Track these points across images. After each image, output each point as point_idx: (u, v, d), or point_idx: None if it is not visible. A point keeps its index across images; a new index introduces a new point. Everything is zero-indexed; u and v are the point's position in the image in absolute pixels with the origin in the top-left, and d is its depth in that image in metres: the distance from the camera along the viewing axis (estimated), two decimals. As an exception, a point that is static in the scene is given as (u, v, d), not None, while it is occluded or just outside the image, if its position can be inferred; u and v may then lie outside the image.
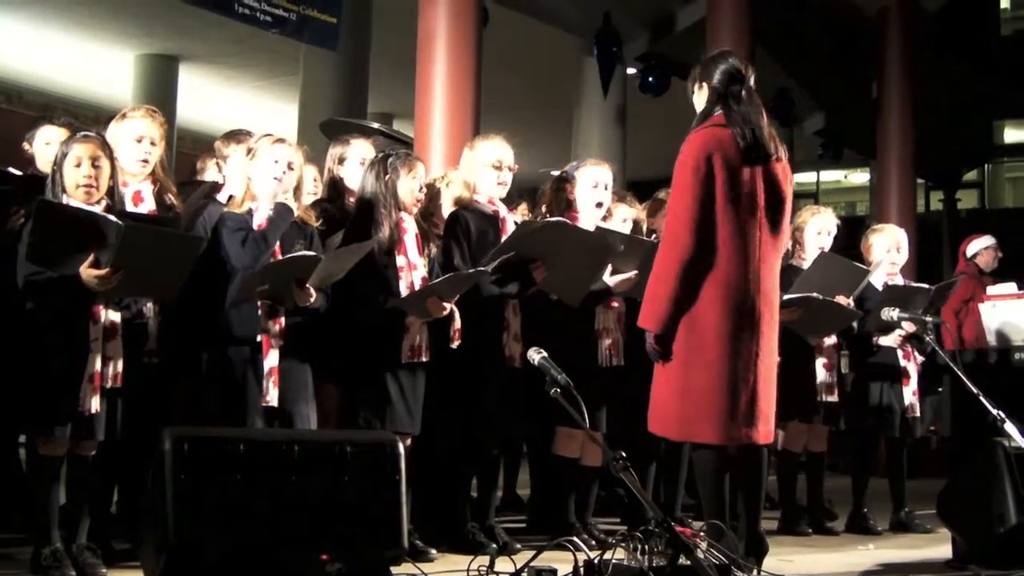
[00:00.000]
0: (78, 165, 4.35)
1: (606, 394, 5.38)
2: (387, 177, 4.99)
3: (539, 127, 12.67)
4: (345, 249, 4.71)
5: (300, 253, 4.54)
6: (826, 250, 6.14)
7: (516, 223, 5.26)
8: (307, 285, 4.52)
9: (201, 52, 12.84)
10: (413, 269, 4.96)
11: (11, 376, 4.45)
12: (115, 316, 4.32)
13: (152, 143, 4.77)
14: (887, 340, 6.30)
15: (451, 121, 7.99)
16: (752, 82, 4.47)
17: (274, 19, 7.98)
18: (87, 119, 6.13)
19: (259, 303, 4.56)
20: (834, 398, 6.22)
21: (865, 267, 6.12)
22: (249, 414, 4.50)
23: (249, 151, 4.78)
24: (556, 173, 5.78)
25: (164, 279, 4.32)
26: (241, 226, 4.64)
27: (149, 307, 4.57)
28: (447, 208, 5.46)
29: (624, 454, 3.66)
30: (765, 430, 4.41)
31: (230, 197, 4.86)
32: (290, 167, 4.71)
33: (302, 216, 4.79)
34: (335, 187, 5.49)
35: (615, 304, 5.51)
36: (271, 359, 4.55)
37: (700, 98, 4.51)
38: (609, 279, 5.34)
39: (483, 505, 5.29)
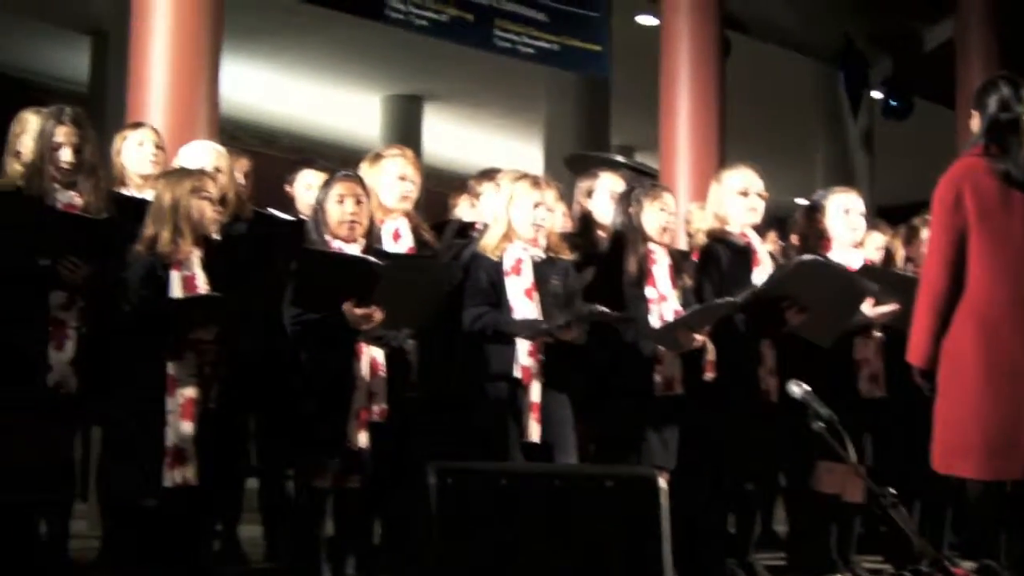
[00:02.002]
0: (341, 202, 4.53)
1: (869, 427, 5.25)
2: (632, 209, 5.03)
3: (782, 155, 12.51)
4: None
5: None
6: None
7: (770, 253, 5.20)
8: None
9: (445, 91, 13.16)
10: (663, 301, 4.95)
11: (278, 413, 4.65)
12: (378, 352, 4.48)
13: (411, 181, 4.93)
14: None
15: (695, 152, 8.01)
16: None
17: (537, 51, 8.09)
18: (337, 160, 6.36)
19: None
20: None
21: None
22: (510, 449, 4.58)
23: (508, 193, 4.87)
24: (803, 202, 5.70)
25: (423, 310, 4.45)
26: (490, 274, 4.73)
27: (410, 343, 4.71)
28: (700, 241, 5.45)
29: (893, 490, 3.58)
30: None
31: (483, 234, 4.96)
32: (544, 208, 4.78)
33: (555, 250, 4.85)
34: (584, 221, 5.54)
35: (876, 333, 5.37)
36: (532, 394, 4.62)
37: (974, 126, 4.40)
38: (869, 311, 5.21)
39: (741, 541, 5.23)
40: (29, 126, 4.80)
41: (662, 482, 3.89)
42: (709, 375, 4.95)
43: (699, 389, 4.95)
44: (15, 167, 4.81)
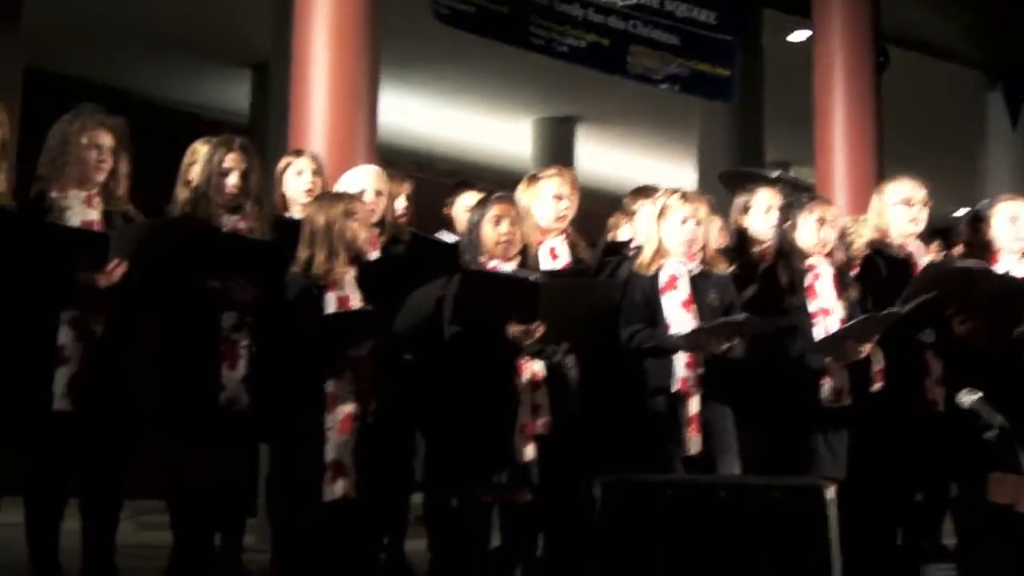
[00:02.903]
0: (496, 224, 4.59)
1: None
2: (790, 223, 4.99)
3: (942, 167, 12.24)
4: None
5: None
6: None
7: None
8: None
9: (597, 113, 13.20)
10: (828, 314, 4.89)
11: (443, 428, 4.71)
12: (539, 367, 4.52)
13: (567, 200, 4.98)
14: None
15: (852, 166, 7.91)
16: None
17: (667, 77, 8.09)
18: (490, 183, 6.44)
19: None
20: None
21: None
22: (671, 462, 4.57)
23: (658, 210, 4.87)
24: (965, 213, 5.59)
25: (583, 326, 4.48)
26: (645, 292, 4.73)
27: (571, 359, 4.75)
28: (858, 253, 5.37)
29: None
30: None
31: (637, 253, 4.96)
32: (696, 223, 4.77)
33: (712, 264, 4.83)
34: (741, 236, 5.51)
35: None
36: (691, 407, 4.61)
37: None
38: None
39: (910, 553, 5.13)
40: (201, 156, 4.97)
41: (830, 492, 3.85)
42: (877, 385, 4.88)
43: (867, 400, 4.88)
44: (184, 194, 4.99)
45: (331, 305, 4.48)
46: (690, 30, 8.25)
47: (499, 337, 4.39)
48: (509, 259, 4.61)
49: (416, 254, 5.14)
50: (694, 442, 4.58)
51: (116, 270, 4.32)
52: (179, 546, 4.67)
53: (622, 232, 5.62)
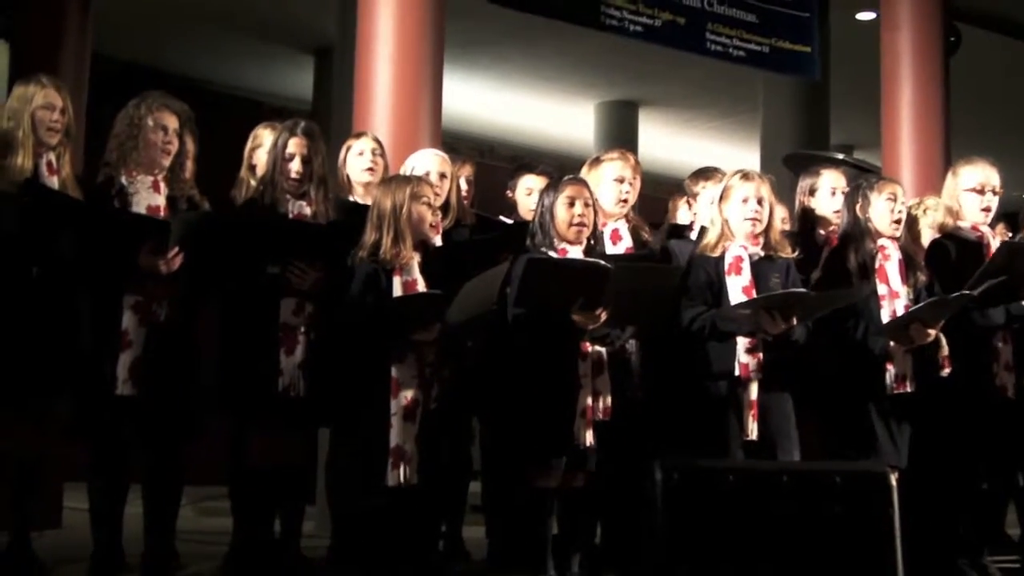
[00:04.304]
0: (571, 205, 4.58)
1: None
2: (860, 204, 4.95)
3: (1012, 150, 12.07)
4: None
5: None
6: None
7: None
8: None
9: (659, 96, 13.11)
10: (895, 297, 4.85)
11: (502, 413, 4.72)
12: (601, 351, 4.52)
13: (630, 184, 4.97)
14: None
15: (919, 149, 7.77)
16: None
17: (748, 54, 8.00)
18: (553, 166, 6.43)
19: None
20: None
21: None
22: (730, 448, 4.55)
23: (719, 191, 4.84)
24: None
25: (647, 310, 4.47)
26: (709, 273, 4.71)
27: (632, 344, 4.73)
28: (926, 236, 5.32)
29: None
30: None
31: (700, 234, 4.93)
32: (759, 203, 4.74)
33: (776, 247, 4.79)
34: (806, 218, 5.46)
35: None
36: (751, 392, 4.59)
37: None
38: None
39: (974, 542, 5.07)
40: (264, 140, 5.00)
41: (893, 479, 3.82)
42: (944, 371, 4.82)
43: (933, 386, 4.83)
44: (250, 180, 5.03)
45: (398, 289, 4.48)
46: (766, 7, 8.16)
47: (563, 321, 4.37)
48: (580, 242, 4.59)
49: (482, 238, 5.15)
50: (753, 427, 4.55)
51: (176, 258, 4.37)
52: (239, 532, 4.72)
53: (681, 214, 5.59)
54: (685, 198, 5.54)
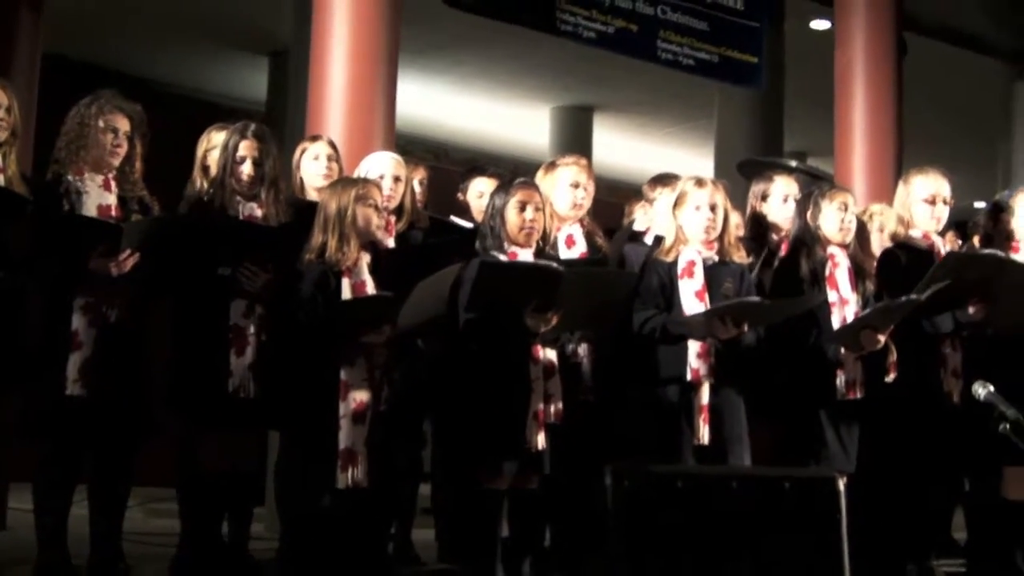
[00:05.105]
0: (521, 209, 4.58)
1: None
2: (811, 212, 4.99)
3: (962, 158, 12.18)
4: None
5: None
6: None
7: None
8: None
9: (615, 102, 13.15)
10: (845, 304, 4.89)
11: (453, 416, 4.71)
12: (552, 355, 4.53)
13: (585, 189, 4.98)
14: None
15: (871, 156, 7.85)
16: None
17: (697, 63, 8.05)
18: (507, 170, 6.45)
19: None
20: None
21: None
22: (682, 453, 4.56)
23: (674, 197, 4.85)
24: (981, 205, 5.57)
25: (599, 314, 4.48)
26: (662, 276, 4.72)
27: (583, 348, 4.75)
28: (874, 243, 5.37)
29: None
30: None
31: (657, 242, 4.95)
32: (712, 209, 4.76)
33: (730, 253, 4.82)
34: (758, 224, 5.49)
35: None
36: (702, 396, 4.60)
37: None
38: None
39: (921, 547, 5.12)
40: (217, 142, 4.98)
41: (841, 484, 3.84)
42: (891, 376, 4.87)
43: (881, 391, 4.87)
44: (203, 182, 5.01)
45: (347, 291, 4.47)
46: (719, 16, 8.21)
47: (515, 324, 4.38)
48: (530, 246, 4.60)
49: (433, 242, 5.15)
50: (704, 432, 4.57)
51: (128, 260, 4.35)
52: (186, 533, 4.68)
53: (638, 219, 5.61)
54: (642, 203, 5.56)
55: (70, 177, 4.51)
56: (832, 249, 4.97)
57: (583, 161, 5.10)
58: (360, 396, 4.40)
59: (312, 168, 5.16)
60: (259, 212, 4.71)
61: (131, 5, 10.33)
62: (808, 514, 3.72)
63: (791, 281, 4.96)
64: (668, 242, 4.80)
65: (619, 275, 4.73)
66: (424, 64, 11.59)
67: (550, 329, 4.40)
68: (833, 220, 4.98)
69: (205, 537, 4.64)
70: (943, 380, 4.99)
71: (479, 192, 5.60)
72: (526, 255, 4.58)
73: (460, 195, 5.84)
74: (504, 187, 4.70)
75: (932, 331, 4.96)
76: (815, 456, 4.75)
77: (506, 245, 4.57)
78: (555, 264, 4.39)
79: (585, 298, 4.38)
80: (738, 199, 5.53)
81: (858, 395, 4.83)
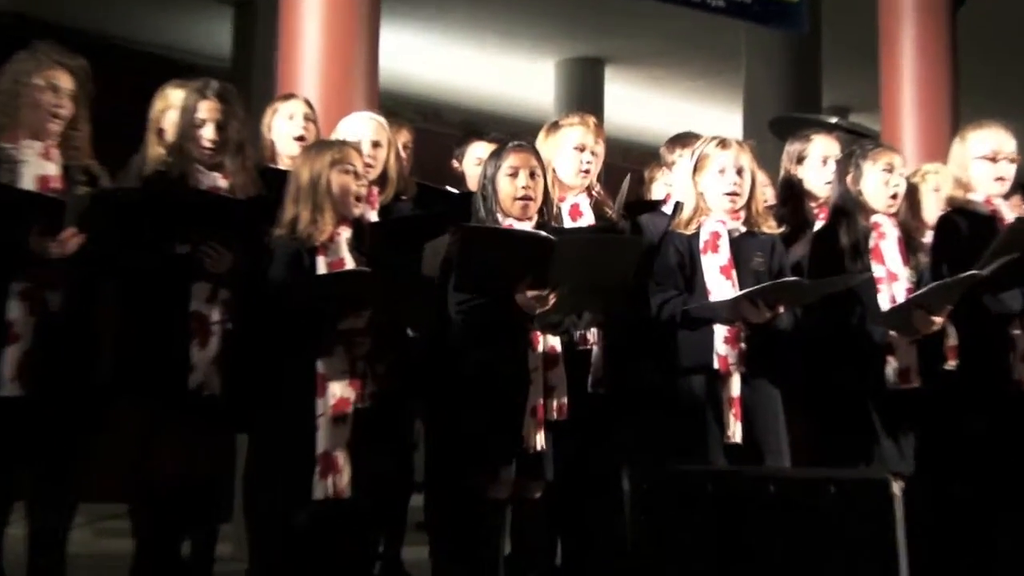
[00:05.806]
0: (513, 176, 4.53)
1: None
2: (852, 175, 4.94)
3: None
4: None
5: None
6: None
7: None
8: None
9: (629, 53, 13.15)
10: (894, 280, 4.85)
11: (444, 416, 4.68)
12: (555, 342, 4.47)
13: (592, 152, 4.92)
14: None
15: (922, 112, 7.86)
16: None
17: (727, 3, 7.98)
18: (508, 133, 6.40)
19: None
20: None
21: None
22: (710, 452, 4.52)
23: (694, 161, 4.80)
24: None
25: (606, 292, 4.43)
26: (681, 252, 4.68)
27: (593, 333, 4.69)
28: (928, 208, 5.32)
29: None
30: None
31: (675, 209, 4.90)
32: (738, 173, 4.70)
33: (758, 223, 4.76)
34: (791, 189, 5.43)
35: None
36: (732, 388, 4.56)
37: None
38: None
39: (986, 556, 5.07)
40: (173, 101, 4.93)
41: (896, 488, 3.80)
42: (951, 364, 4.83)
43: (939, 381, 4.82)
44: (157, 148, 4.95)
45: (322, 270, 4.43)
46: (750, -49, 8.17)
47: (507, 306, 4.33)
48: (528, 218, 4.55)
49: (423, 213, 5.11)
50: (736, 428, 4.53)
51: (72, 239, 4.29)
52: (140, 555, 4.63)
53: (657, 188, 5.55)
54: (662, 168, 5.50)
55: (4, 144, 4.46)
56: (877, 218, 4.93)
57: (590, 120, 5.05)
58: (339, 391, 4.36)
59: (285, 129, 5.15)
60: (223, 182, 4.68)
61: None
62: (857, 523, 3.69)
63: (829, 255, 4.91)
64: (687, 212, 4.74)
65: (622, 240, 4.67)
66: (409, 11, 11.55)
67: (548, 311, 4.33)
68: (877, 184, 4.93)
69: (162, 559, 4.60)
70: (1011, 367, 4.92)
71: (477, 159, 5.55)
72: (525, 228, 4.52)
73: (455, 162, 5.80)
74: (496, 152, 4.65)
75: (998, 310, 4.89)
76: (865, 455, 4.70)
77: (500, 217, 4.53)
78: (545, 233, 4.33)
79: (586, 271, 4.32)
80: (770, 162, 5.49)
81: (914, 384, 4.77)
